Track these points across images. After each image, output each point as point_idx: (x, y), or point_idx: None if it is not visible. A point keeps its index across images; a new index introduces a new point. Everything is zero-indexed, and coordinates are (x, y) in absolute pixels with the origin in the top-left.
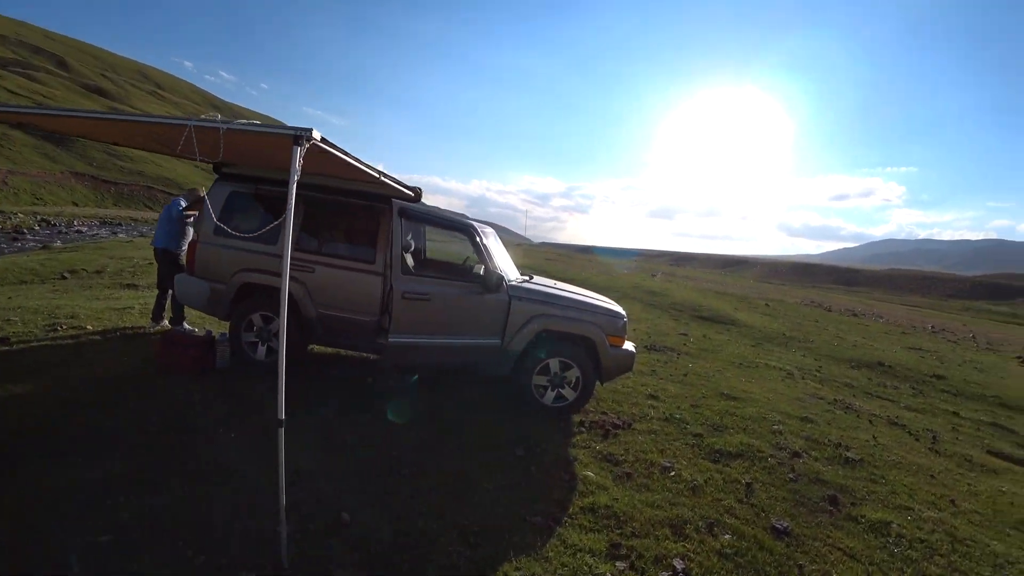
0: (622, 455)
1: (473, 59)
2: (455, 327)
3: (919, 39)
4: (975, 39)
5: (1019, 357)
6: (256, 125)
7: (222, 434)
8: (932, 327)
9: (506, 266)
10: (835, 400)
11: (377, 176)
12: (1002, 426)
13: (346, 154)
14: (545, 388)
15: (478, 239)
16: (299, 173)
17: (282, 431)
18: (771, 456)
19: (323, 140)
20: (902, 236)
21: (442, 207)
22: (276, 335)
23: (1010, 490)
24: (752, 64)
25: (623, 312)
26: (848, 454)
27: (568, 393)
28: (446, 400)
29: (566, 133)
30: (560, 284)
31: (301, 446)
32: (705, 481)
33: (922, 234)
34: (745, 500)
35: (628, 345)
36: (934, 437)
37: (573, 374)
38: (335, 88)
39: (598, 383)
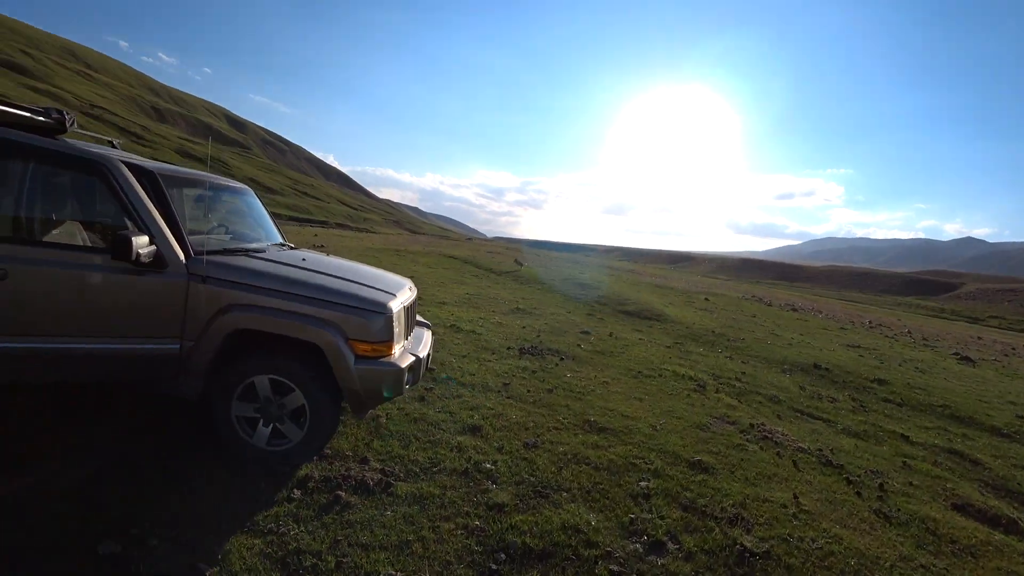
0: (318, 555)
1: (428, 52)
2: (79, 324)
3: (853, 44)
4: (906, 47)
5: (955, 353)
6: None
7: None
8: (869, 322)
9: (248, 232)
10: (751, 426)
11: None
12: (960, 453)
13: None
14: (255, 421)
15: (116, 183)
16: None
17: None
18: (603, 559)
19: None
20: (841, 234)
21: (394, 200)
22: None
23: None
24: (698, 62)
25: (388, 302)
26: (746, 541)
27: (291, 431)
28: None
29: (521, 128)
30: (314, 256)
31: None
32: None
33: (858, 233)
34: None
35: (398, 354)
36: (881, 485)
37: (295, 401)
38: (284, 76)
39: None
